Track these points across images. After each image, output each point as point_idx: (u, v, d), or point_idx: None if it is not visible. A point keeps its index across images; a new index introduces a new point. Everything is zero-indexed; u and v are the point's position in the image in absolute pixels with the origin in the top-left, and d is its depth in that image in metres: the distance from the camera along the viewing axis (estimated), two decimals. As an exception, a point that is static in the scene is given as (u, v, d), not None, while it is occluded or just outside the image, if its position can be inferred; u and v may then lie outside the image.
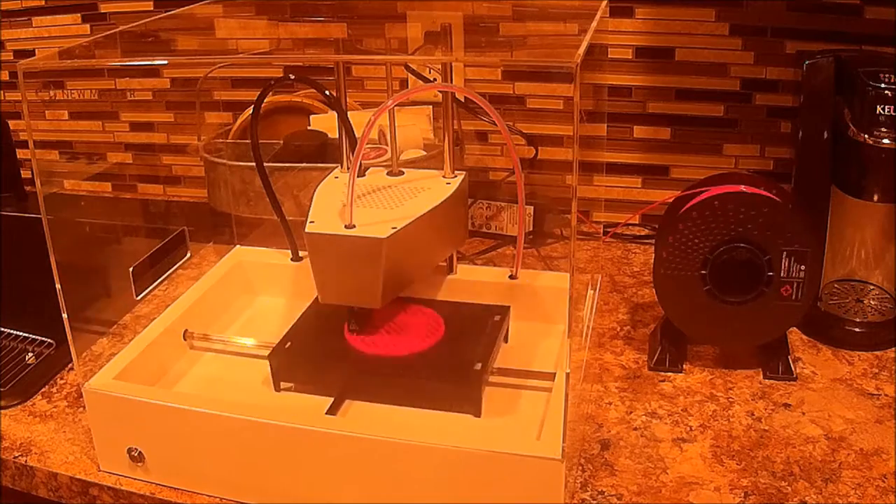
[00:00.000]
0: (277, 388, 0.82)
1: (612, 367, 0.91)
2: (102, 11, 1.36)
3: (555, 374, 0.77)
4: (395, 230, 0.76)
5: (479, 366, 0.78)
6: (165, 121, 1.40)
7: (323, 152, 1.09)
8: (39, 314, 0.97)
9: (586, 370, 0.86)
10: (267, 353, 0.86)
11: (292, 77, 1.01)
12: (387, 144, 0.97)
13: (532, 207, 1.14)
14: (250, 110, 1.01)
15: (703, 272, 0.84)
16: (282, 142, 1.13)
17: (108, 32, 0.80)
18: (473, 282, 0.93)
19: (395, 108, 0.85)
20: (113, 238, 1.28)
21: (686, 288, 0.85)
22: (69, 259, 0.75)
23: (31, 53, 1.43)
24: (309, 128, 1.17)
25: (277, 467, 0.72)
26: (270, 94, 0.94)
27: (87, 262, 1.09)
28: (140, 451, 0.75)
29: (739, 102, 1.15)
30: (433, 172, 0.88)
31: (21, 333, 0.99)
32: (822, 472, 0.74)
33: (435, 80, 1.09)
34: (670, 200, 0.91)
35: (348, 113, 0.88)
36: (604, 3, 0.82)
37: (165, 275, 1.13)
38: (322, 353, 0.82)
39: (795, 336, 0.94)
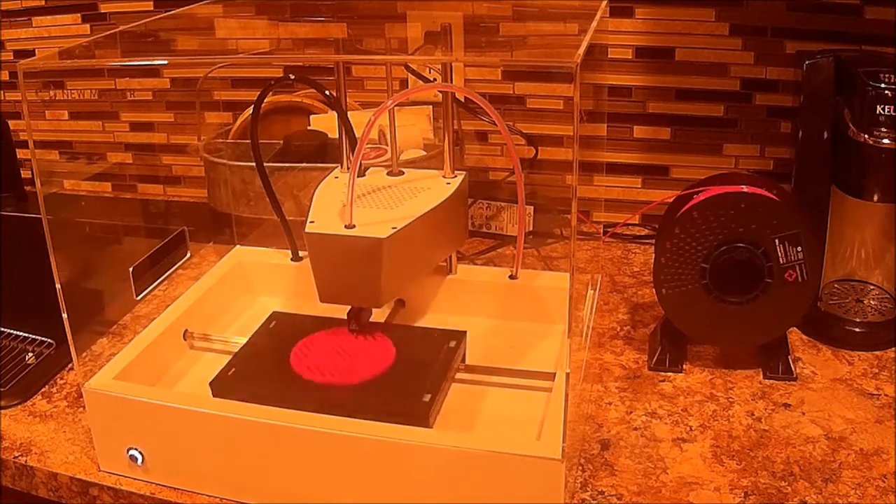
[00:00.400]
0: None
1: (612, 367, 0.91)
2: (102, 11, 1.36)
3: (555, 374, 0.77)
4: (395, 230, 0.76)
5: (427, 397, 0.74)
6: (165, 121, 1.40)
7: (323, 152, 1.09)
8: (39, 314, 0.97)
9: (586, 370, 0.86)
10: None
11: (292, 77, 1.01)
12: (387, 144, 0.97)
13: (532, 207, 1.14)
14: (250, 110, 1.01)
15: (704, 272, 0.84)
16: (282, 142, 1.13)
17: (108, 32, 0.80)
18: (473, 282, 0.93)
19: (395, 108, 0.85)
20: (113, 238, 1.28)
21: (686, 288, 0.85)
22: (69, 259, 0.75)
23: (31, 53, 1.43)
24: (309, 128, 1.17)
25: (277, 467, 0.72)
26: (270, 94, 0.94)
27: (87, 262, 1.09)
28: (140, 451, 0.75)
29: (739, 102, 1.15)
30: (433, 172, 0.88)
31: (21, 333, 0.99)
32: (822, 472, 0.74)
33: (435, 80, 1.09)
34: (670, 200, 0.91)
35: (348, 113, 0.88)
36: (604, 3, 0.82)
37: (165, 275, 1.13)
38: (265, 381, 0.78)
39: (795, 336, 0.94)
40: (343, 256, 0.78)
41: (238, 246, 1.02)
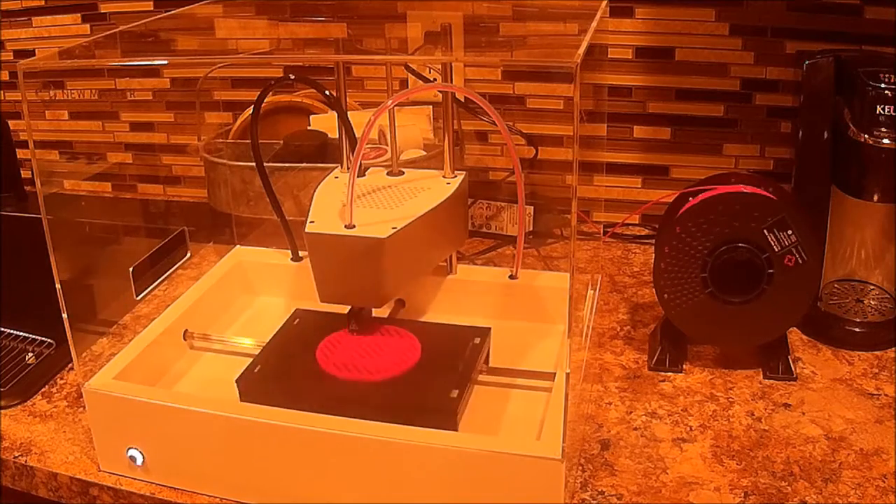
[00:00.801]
0: None
1: (612, 367, 0.91)
2: (102, 11, 1.36)
3: (555, 374, 0.77)
4: (395, 230, 0.76)
5: (455, 393, 0.74)
6: (165, 121, 1.40)
7: (323, 152, 1.09)
8: (39, 314, 0.97)
9: (586, 370, 0.86)
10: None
11: (292, 77, 1.01)
12: (387, 144, 0.97)
13: (532, 207, 1.14)
14: (250, 110, 1.01)
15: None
16: (282, 142, 1.13)
17: (108, 32, 0.80)
18: (473, 282, 0.93)
19: (395, 108, 0.85)
20: (113, 238, 1.28)
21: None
22: (69, 259, 0.75)
23: (31, 53, 1.43)
24: (309, 128, 1.17)
25: (277, 467, 0.72)
26: (270, 94, 0.94)
27: (87, 262, 1.09)
28: (140, 452, 0.75)
29: (739, 102, 1.15)
30: (433, 172, 0.88)
31: (21, 333, 0.99)
32: (822, 472, 0.74)
33: (435, 80, 1.09)
34: (669, 200, 0.91)
35: (348, 113, 0.88)
36: (604, 3, 0.82)
37: (165, 275, 1.13)
38: (292, 378, 0.79)
39: (795, 336, 0.94)
40: (343, 256, 0.78)
41: (238, 246, 1.02)
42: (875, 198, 0.89)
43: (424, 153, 1.09)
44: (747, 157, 1.18)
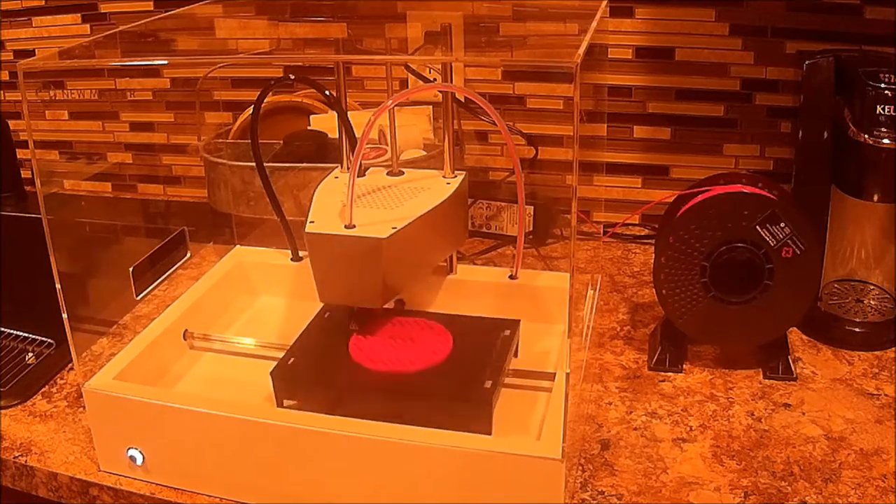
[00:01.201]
0: (280, 405, 0.78)
1: (612, 367, 0.91)
2: (102, 11, 1.36)
3: (555, 374, 0.77)
4: (395, 230, 0.76)
5: (489, 384, 0.75)
6: (165, 121, 1.40)
7: (323, 152, 1.09)
8: (39, 314, 0.97)
9: (586, 370, 0.86)
10: (267, 353, 0.86)
11: (292, 77, 1.01)
12: (387, 144, 0.97)
13: (532, 207, 1.14)
14: (250, 110, 1.01)
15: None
16: (282, 142, 1.13)
17: (108, 32, 0.80)
18: (473, 282, 0.93)
19: (395, 108, 0.85)
20: (113, 238, 1.28)
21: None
22: (69, 259, 0.75)
23: (31, 53, 1.43)
24: (309, 128, 1.17)
25: (277, 467, 0.72)
26: (270, 94, 0.94)
27: (87, 262, 1.09)
28: (140, 452, 0.75)
29: (739, 102, 1.15)
30: (433, 172, 0.88)
31: (21, 333, 0.99)
32: (822, 472, 0.74)
33: (435, 80, 1.09)
34: (669, 200, 0.91)
35: (348, 113, 0.88)
36: (604, 3, 0.82)
37: (165, 275, 1.13)
38: (326, 370, 0.79)
39: (795, 336, 0.94)
40: (343, 256, 0.78)
41: (238, 246, 1.02)
42: (875, 198, 0.89)
43: (424, 153, 1.09)
44: (747, 157, 1.18)
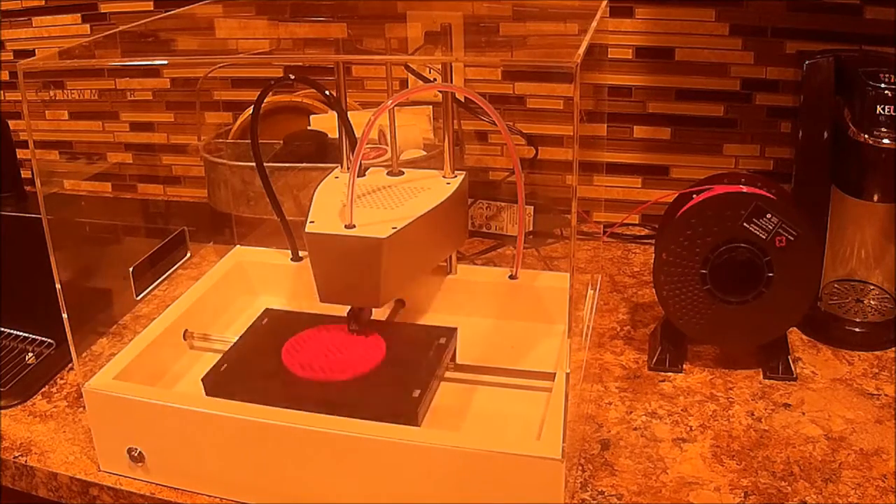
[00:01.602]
0: None
1: (612, 367, 0.91)
2: (102, 11, 1.36)
3: (555, 374, 0.77)
4: (395, 230, 0.76)
5: (416, 393, 0.74)
6: (165, 121, 1.40)
7: (323, 152, 1.09)
8: (39, 314, 0.97)
9: (586, 370, 0.86)
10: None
11: (292, 77, 1.01)
12: (387, 144, 0.97)
13: (532, 207, 1.14)
14: (250, 110, 1.01)
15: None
16: (282, 142, 1.13)
17: (108, 32, 0.80)
18: (473, 282, 0.93)
19: (395, 108, 0.85)
20: (113, 238, 1.28)
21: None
22: (69, 259, 0.75)
23: (31, 53, 1.43)
24: (309, 128, 1.17)
25: (277, 467, 0.72)
26: (270, 94, 0.94)
27: (87, 262, 1.09)
28: (140, 451, 0.75)
29: (739, 102, 1.15)
30: (433, 172, 0.88)
31: (21, 333, 0.99)
32: (822, 472, 0.74)
33: (435, 80, 1.09)
34: (667, 200, 0.91)
35: (348, 113, 0.88)
36: (604, 3, 0.82)
37: (165, 275, 1.13)
38: (256, 377, 0.79)
39: (795, 336, 0.94)
40: (343, 256, 0.78)
41: (238, 246, 1.02)
42: (875, 198, 0.89)
43: (424, 153, 1.09)
44: (747, 157, 1.18)
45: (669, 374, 0.89)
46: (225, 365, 0.80)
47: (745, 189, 0.83)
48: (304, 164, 1.06)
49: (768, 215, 0.80)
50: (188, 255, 1.18)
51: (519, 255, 0.90)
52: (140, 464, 0.76)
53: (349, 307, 0.83)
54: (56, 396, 0.90)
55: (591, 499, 0.72)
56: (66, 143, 1.48)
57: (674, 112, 1.18)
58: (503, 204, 1.16)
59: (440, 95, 0.88)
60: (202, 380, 0.78)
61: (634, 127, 1.21)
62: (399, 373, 0.78)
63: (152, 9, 1.33)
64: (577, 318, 0.83)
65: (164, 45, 0.89)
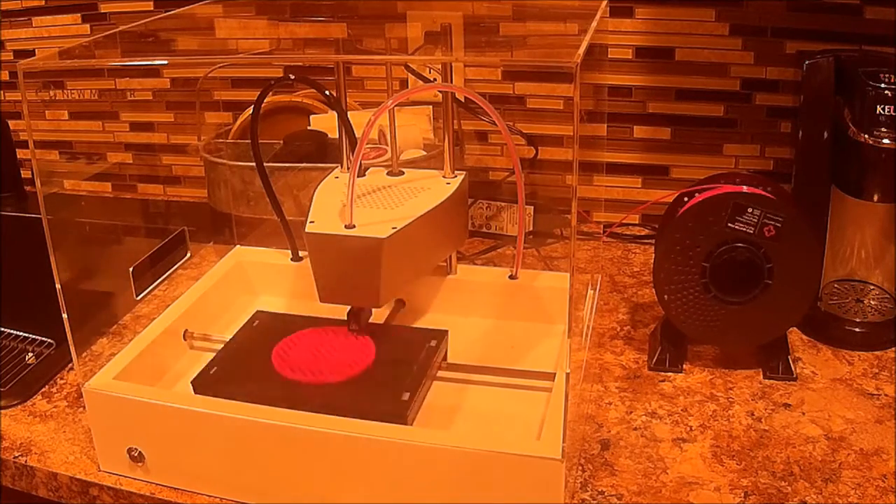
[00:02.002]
0: None
1: (612, 367, 0.91)
2: (102, 11, 1.36)
3: (555, 374, 0.77)
4: (395, 230, 0.76)
5: (406, 396, 0.74)
6: (165, 121, 1.40)
7: (323, 152, 1.09)
8: (39, 314, 0.97)
9: (586, 370, 0.86)
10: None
11: (292, 77, 1.01)
12: (387, 144, 0.97)
13: (532, 207, 1.14)
14: (250, 110, 1.01)
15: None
16: (282, 142, 1.13)
17: (108, 32, 0.80)
18: (473, 282, 0.93)
19: (395, 108, 0.85)
20: (113, 238, 1.28)
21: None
22: (69, 259, 0.75)
23: (31, 53, 1.43)
24: (309, 128, 1.17)
25: (277, 467, 0.72)
26: (270, 94, 0.94)
27: (87, 262, 1.09)
28: (140, 451, 0.75)
29: (739, 102, 1.15)
30: (433, 172, 0.88)
31: (21, 333, 0.99)
32: (822, 472, 0.74)
33: (435, 80, 1.09)
34: (667, 200, 0.91)
35: (348, 113, 0.88)
36: (604, 3, 0.82)
37: (165, 275, 1.13)
38: (246, 380, 0.79)
39: (795, 336, 0.94)
40: (343, 256, 0.78)
41: (238, 246, 1.02)
42: (875, 198, 0.89)
43: (424, 153, 1.09)
44: (747, 157, 1.18)
45: (669, 374, 0.89)
46: (215, 368, 0.80)
47: (746, 189, 0.83)
48: (304, 164, 1.06)
49: (749, 210, 0.81)
50: (188, 255, 1.18)
51: (519, 255, 0.90)
52: (140, 464, 0.76)
53: (347, 308, 0.83)
54: (56, 396, 0.90)
55: (591, 499, 0.72)
56: (66, 143, 1.48)
57: (674, 112, 1.18)
58: (503, 204, 1.16)
59: (440, 95, 0.88)
60: (192, 382, 0.79)
61: (634, 127, 1.21)
62: (389, 375, 0.78)
63: (152, 9, 1.33)
64: (577, 318, 0.83)
65: (164, 45, 0.89)
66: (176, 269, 1.15)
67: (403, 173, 0.88)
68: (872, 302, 0.95)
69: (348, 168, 0.89)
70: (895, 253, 0.95)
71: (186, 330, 0.88)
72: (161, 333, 0.84)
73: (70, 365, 0.94)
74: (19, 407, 0.88)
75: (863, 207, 0.92)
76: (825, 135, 0.91)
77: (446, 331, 0.85)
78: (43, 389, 0.91)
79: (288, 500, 0.72)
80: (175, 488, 0.76)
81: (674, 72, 1.16)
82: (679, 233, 0.84)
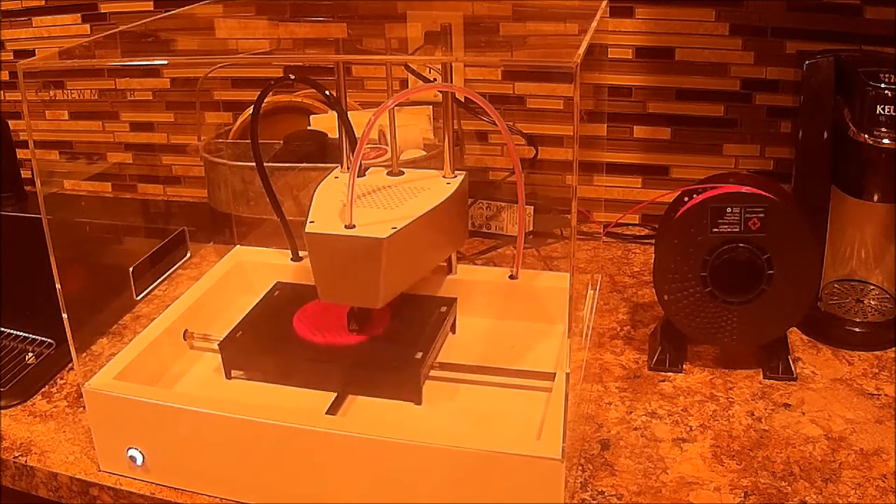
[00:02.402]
0: (228, 376, 0.84)
1: (612, 367, 0.91)
2: (102, 11, 1.36)
3: (555, 374, 0.77)
4: (395, 230, 0.76)
5: (419, 355, 0.80)
6: (165, 121, 1.40)
7: (323, 152, 1.09)
8: (39, 314, 0.97)
9: (586, 370, 0.86)
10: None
11: (292, 77, 1.01)
12: (387, 144, 0.97)
13: (532, 207, 1.14)
14: (250, 110, 1.01)
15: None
16: (282, 142, 1.13)
17: (108, 32, 0.80)
18: (473, 282, 0.93)
19: (395, 108, 0.85)
20: (113, 238, 1.28)
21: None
22: (69, 259, 0.75)
23: (31, 53, 1.43)
24: (309, 128, 1.17)
25: (277, 467, 0.72)
26: (270, 94, 0.94)
27: (87, 262, 1.09)
28: (139, 456, 0.75)
29: (739, 102, 1.15)
30: (433, 172, 0.88)
31: (21, 333, 0.99)
32: (822, 472, 0.74)
33: (435, 80, 1.09)
34: (666, 199, 0.91)
35: (348, 113, 0.88)
36: (604, 3, 0.82)
37: (165, 275, 1.13)
38: (270, 342, 0.85)
39: (795, 336, 0.94)
40: (343, 256, 0.78)
41: (238, 246, 1.02)
42: (875, 198, 0.89)
43: (424, 153, 1.09)
44: (747, 157, 1.18)
45: (669, 374, 0.89)
46: (240, 332, 0.86)
47: (746, 189, 0.83)
48: (304, 164, 1.06)
49: (728, 209, 0.81)
50: (188, 255, 1.18)
51: (519, 255, 0.90)
52: (140, 464, 0.76)
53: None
54: (56, 396, 0.90)
55: (591, 499, 0.72)
56: (66, 143, 1.48)
57: (674, 112, 1.18)
58: (503, 204, 1.16)
59: (440, 95, 0.88)
60: (219, 345, 0.84)
61: (634, 127, 1.21)
62: (403, 337, 0.83)
63: (152, 9, 1.33)
64: (577, 318, 0.83)
65: (164, 45, 0.89)
66: (176, 269, 1.15)
67: (403, 173, 0.88)
68: (872, 302, 0.95)
69: (348, 168, 0.89)
70: (895, 253, 0.95)
71: (186, 330, 0.88)
72: (161, 333, 0.85)
73: (70, 365, 0.94)
74: (19, 407, 0.88)
75: (863, 207, 0.92)
76: (825, 135, 0.91)
77: (455, 298, 0.90)
78: (43, 389, 0.91)
79: (288, 500, 0.73)
80: (175, 488, 0.76)
81: (674, 72, 1.16)
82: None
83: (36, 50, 1.43)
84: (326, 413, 0.77)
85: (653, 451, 0.77)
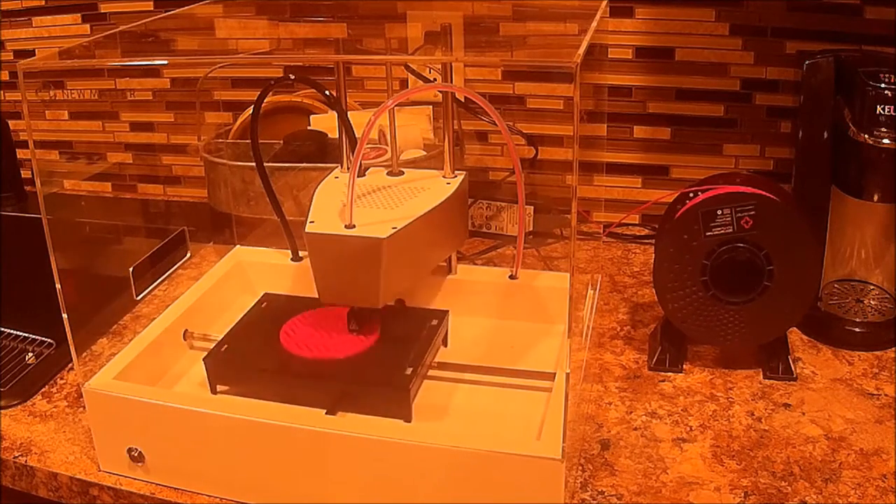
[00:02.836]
0: (214, 391, 0.81)
1: (612, 367, 0.91)
2: (102, 11, 1.36)
3: (555, 374, 0.77)
4: (395, 230, 0.76)
5: (409, 370, 0.77)
6: (165, 121, 1.40)
7: (323, 152, 1.09)
8: (39, 314, 0.97)
9: (586, 370, 0.86)
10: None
11: (292, 77, 1.01)
12: (387, 144, 0.98)
13: (532, 207, 1.14)
14: (250, 110, 1.01)
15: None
16: (282, 142, 1.13)
17: (108, 32, 0.80)
18: (473, 282, 0.93)
19: (395, 108, 0.85)
20: (113, 238, 1.28)
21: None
22: (69, 259, 0.75)
23: (31, 53, 1.43)
24: (309, 128, 1.17)
25: (277, 467, 0.72)
26: (270, 94, 0.94)
27: (87, 262, 1.09)
28: (140, 451, 0.75)
29: (739, 102, 1.15)
30: (433, 172, 0.88)
31: (21, 333, 0.99)
32: (822, 472, 0.74)
33: (435, 80, 1.09)
34: (666, 200, 0.91)
35: (348, 113, 0.88)
36: (604, 3, 0.82)
37: (165, 275, 1.13)
38: (257, 357, 0.82)
39: (795, 336, 0.94)
40: (343, 256, 0.78)
41: (238, 246, 1.02)
42: (875, 198, 0.89)
43: (424, 153, 1.09)
44: (747, 157, 1.18)
45: (669, 374, 0.89)
46: (225, 346, 0.83)
47: (745, 189, 0.83)
48: (304, 164, 1.06)
49: (719, 212, 0.81)
50: (188, 255, 1.18)
51: (519, 255, 0.90)
52: (140, 464, 0.76)
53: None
54: (56, 396, 0.90)
55: (591, 499, 0.72)
56: (66, 143, 1.48)
57: (674, 112, 1.18)
58: (503, 204, 1.16)
59: (440, 95, 0.88)
60: (203, 360, 0.81)
61: (634, 127, 1.21)
62: (393, 351, 0.81)
63: (152, 9, 1.33)
64: (577, 318, 0.83)
65: (164, 45, 0.89)
66: (176, 269, 1.15)
67: (403, 173, 0.88)
68: (872, 302, 0.95)
69: (348, 168, 0.89)
70: (895, 253, 0.95)
71: (186, 330, 0.88)
72: (161, 333, 0.85)
73: (70, 365, 0.94)
74: (19, 407, 0.88)
75: (863, 207, 0.92)
76: (825, 135, 0.91)
77: (447, 311, 0.88)
78: (43, 389, 0.91)
79: (288, 500, 0.73)
80: (175, 488, 0.76)
81: (674, 72, 1.16)
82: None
83: (36, 50, 1.43)
84: (326, 413, 0.77)
85: (653, 451, 0.77)
